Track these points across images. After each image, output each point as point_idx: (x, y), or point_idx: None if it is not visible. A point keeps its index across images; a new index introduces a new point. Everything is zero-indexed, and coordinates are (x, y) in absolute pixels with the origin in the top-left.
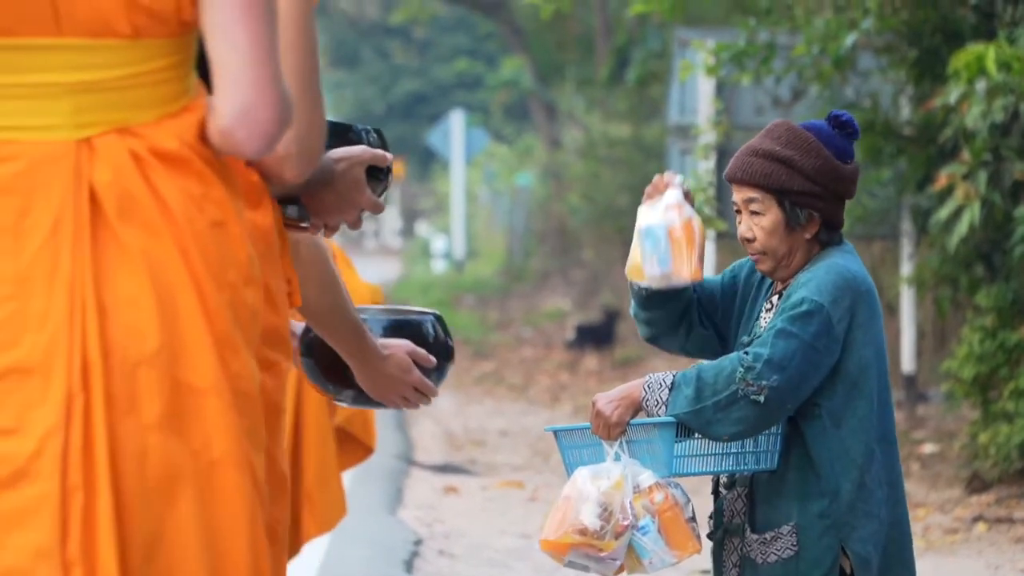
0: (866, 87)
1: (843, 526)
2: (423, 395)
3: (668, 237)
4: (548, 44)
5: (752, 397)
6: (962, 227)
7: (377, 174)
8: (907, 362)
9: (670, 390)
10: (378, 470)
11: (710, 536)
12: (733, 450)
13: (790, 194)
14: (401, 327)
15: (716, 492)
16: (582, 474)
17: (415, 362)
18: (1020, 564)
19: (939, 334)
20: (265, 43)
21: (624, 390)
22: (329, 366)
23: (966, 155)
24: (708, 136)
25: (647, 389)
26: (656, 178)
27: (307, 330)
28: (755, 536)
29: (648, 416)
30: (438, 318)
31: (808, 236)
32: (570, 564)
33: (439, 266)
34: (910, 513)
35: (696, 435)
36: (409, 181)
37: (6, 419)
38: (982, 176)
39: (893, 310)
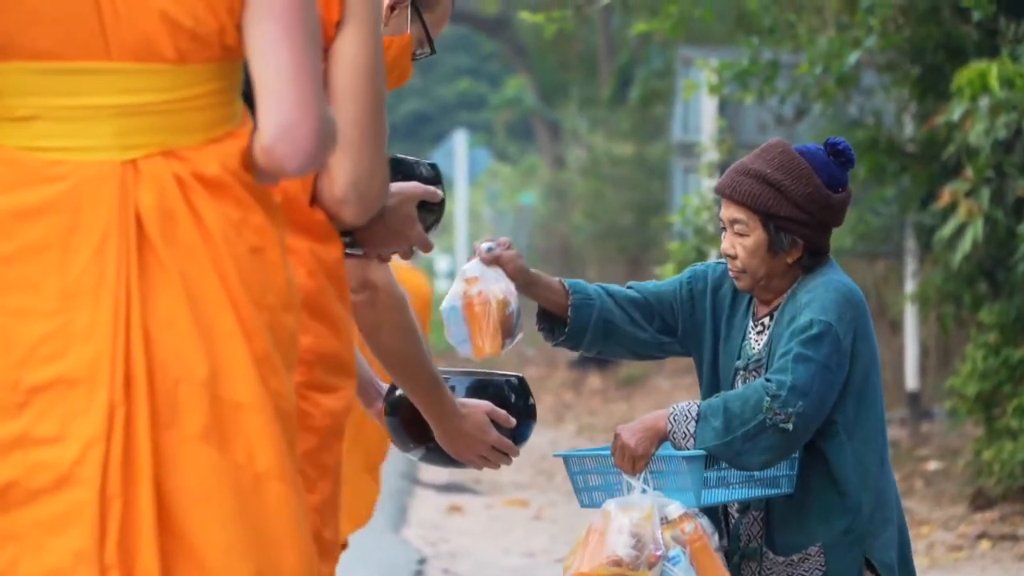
0: (869, 105)
1: (866, 537)
2: (502, 455)
3: (463, 312)
4: (551, 63)
5: (781, 425)
6: (965, 244)
7: (430, 207)
8: (911, 379)
9: (696, 422)
10: (382, 489)
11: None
12: (756, 476)
13: (776, 218)
14: (484, 388)
15: (725, 515)
16: (610, 506)
17: (495, 422)
18: None
19: (943, 351)
20: (306, 64)
21: (648, 422)
22: (411, 421)
23: (969, 172)
24: (711, 154)
25: (673, 422)
26: (475, 245)
27: (392, 388)
28: (780, 559)
29: (674, 447)
30: (520, 380)
31: (790, 261)
32: None
33: (442, 285)
34: (914, 530)
35: (721, 465)
36: None
37: (51, 428)
38: (985, 193)
39: (897, 327)
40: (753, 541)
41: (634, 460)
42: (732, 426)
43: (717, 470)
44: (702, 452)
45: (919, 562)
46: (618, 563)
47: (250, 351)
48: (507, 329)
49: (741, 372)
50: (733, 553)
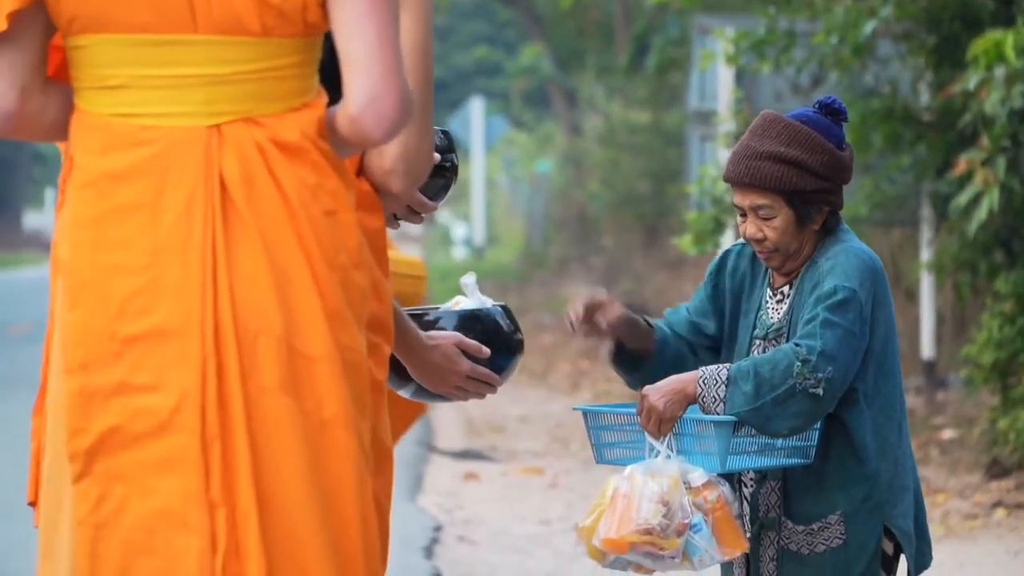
0: (885, 73)
1: (884, 505)
2: (482, 384)
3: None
4: (568, 31)
5: (811, 391)
6: (981, 213)
7: (440, 171)
8: (927, 348)
9: (727, 386)
10: (398, 457)
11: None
12: (778, 445)
13: (802, 194)
14: (475, 319)
15: (740, 485)
16: (637, 471)
17: (470, 354)
18: None
19: (959, 320)
20: (390, 38)
21: (677, 385)
22: (397, 360)
23: (985, 141)
24: (728, 124)
25: (702, 385)
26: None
27: None
28: (800, 527)
29: (703, 411)
30: (506, 310)
31: (816, 227)
32: (615, 563)
33: (459, 253)
34: (930, 498)
35: (745, 431)
36: None
37: (147, 376)
38: (1001, 162)
39: (913, 296)
40: (772, 511)
41: (660, 422)
42: (762, 391)
43: (740, 436)
44: (732, 418)
45: (935, 530)
46: (648, 531)
47: (323, 307)
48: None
49: (759, 341)
50: (752, 523)
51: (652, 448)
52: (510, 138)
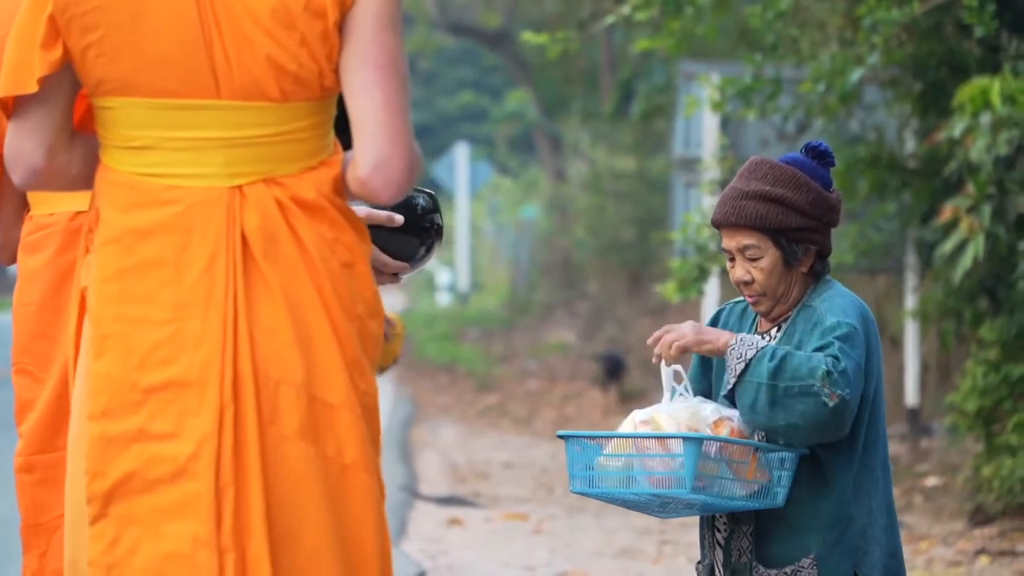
0: (871, 120)
1: (856, 551)
2: (385, 275)
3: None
4: (553, 77)
5: (824, 399)
6: (966, 260)
7: (419, 233)
8: (911, 395)
9: (756, 351)
10: None
11: (705, 571)
12: (750, 484)
13: (787, 232)
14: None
15: (713, 531)
16: (656, 412)
17: (385, 229)
18: None
19: (943, 367)
20: (398, 104)
21: (709, 332)
22: None
23: (970, 188)
24: (713, 171)
25: (738, 342)
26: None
27: None
28: (772, 572)
29: (727, 365)
30: (431, 196)
31: (804, 270)
32: (633, 500)
33: (443, 299)
34: (913, 545)
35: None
36: None
37: (167, 425)
38: (986, 209)
39: (897, 343)
40: (743, 556)
41: (672, 345)
42: (784, 375)
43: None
44: (700, 436)
45: None
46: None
47: (342, 356)
48: None
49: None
50: (725, 568)
51: (629, 478)
52: (495, 184)
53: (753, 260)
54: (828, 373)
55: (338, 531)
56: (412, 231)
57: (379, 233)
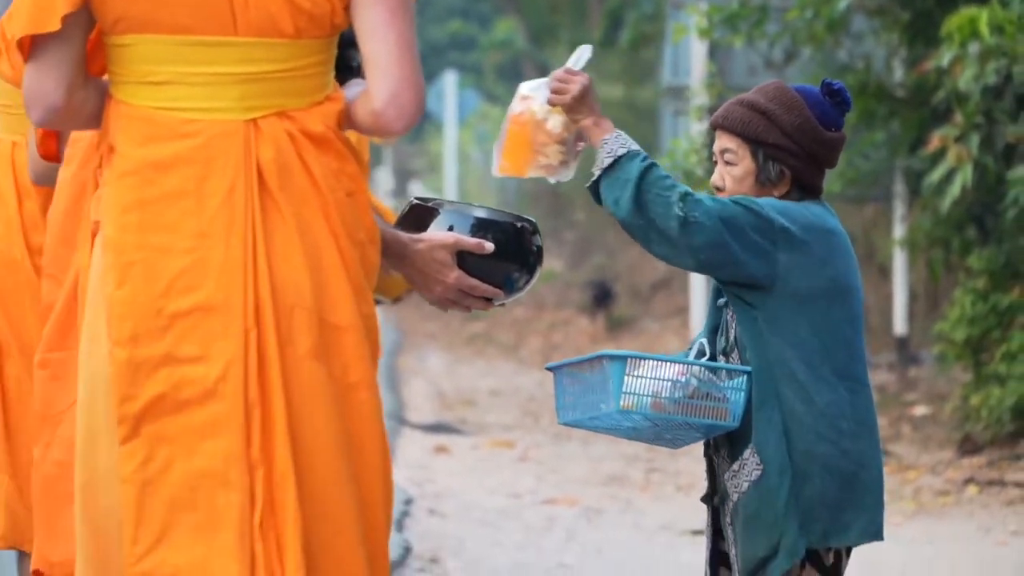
0: (859, 49)
1: (789, 432)
2: (476, 299)
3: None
4: (541, 5)
5: (676, 210)
6: (954, 189)
7: (518, 260)
8: (899, 324)
9: (627, 151)
10: None
11: (704, 500)
12: (703, 404)
13: (764, 146)
14: (491, 226)
15: (708, 457)
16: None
17: (474, 256)
18: (1011, 526)
19: (931, 296)
20: (409, 41)
21: (593, 107)
22: None
23: (959, 118)
24: (701, 98)
25: (613, 138)
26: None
27: None
28: (729, 475)
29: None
30: (532, 223)
31: (778, 194)
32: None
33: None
34: (901, 475)
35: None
36: (402, 141)
37: (194, 348)
38: (974, 139)
39: (885, 272)
40: (722, 477)
41: (558, 85)
42: (648, 179)
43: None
44: (625, 353)
45: (905, 507)
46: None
47: (349, 281)
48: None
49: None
50: (714, 493)
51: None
52: (483, 112)
53: (729, 165)
54: (685, 194)
55: (347, 447)
56: (508, 256)
57: (473, 259)
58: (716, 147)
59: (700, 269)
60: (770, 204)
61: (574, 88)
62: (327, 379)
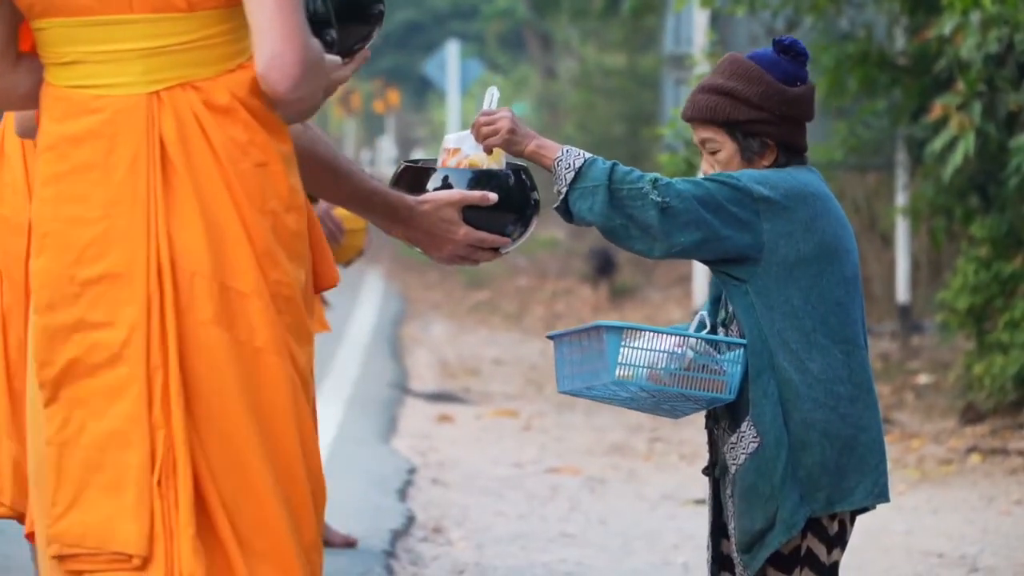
0: (861, 17)
1: (786, 402)
2: (485, 250)
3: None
4: None
5: (653, 198)
6: (957, 158)
7: (513, 208)
8: (902, 293)
9: (585, 159)
10: (372, 399)
11: (706, 472)
12: (701, 376)
13: (739, 124)
14: (489, 178)
15: (709, 428)
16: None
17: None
18: (1014, 495)
19: (934, 265)
20: (290, 5)
21: (525, 133)
22: None
23: (961, 86)
24: (703, 67)
25: (564, 153)
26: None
27: None
28: (728, 447)
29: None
30: (525, 170)
31: (767, 164)
32: None
33: None
34: (904, 444)
35: (635, 344)
36: (405, 110)
37: (103, 315)
38: (977, 107)
39: (888, 241)
40: (721, 450)
41: (486, 139)
42: (616, 179)
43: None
44: (622, 324)
45: (909, 475)
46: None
47: (252, 248)
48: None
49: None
50: (714, 465)
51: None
52: (485, 81)
53: (713, 154)
54: (655, 180)
55: (254, 410)
56: (508, 207)
57: (475, 212)
58: (696, 139)
59: (684, 255)
60: (748, 175)
61: (503, 124)
62: (231, 343)
